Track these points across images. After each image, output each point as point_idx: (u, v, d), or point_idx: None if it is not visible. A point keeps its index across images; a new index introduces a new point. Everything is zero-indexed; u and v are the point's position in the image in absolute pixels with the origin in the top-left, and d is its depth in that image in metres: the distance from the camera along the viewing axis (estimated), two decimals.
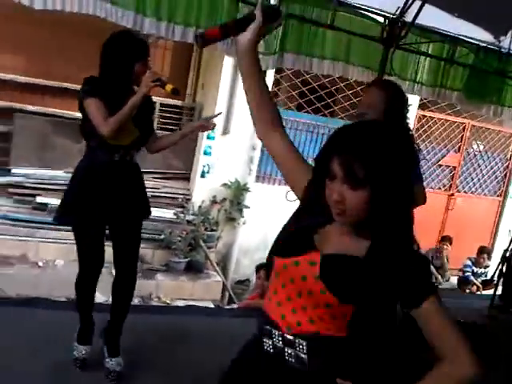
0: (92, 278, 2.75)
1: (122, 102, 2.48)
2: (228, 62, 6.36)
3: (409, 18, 4.13)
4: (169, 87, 2.53)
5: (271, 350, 1.31)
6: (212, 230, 6.51)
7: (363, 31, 4.09)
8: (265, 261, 3.94)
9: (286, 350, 1.29)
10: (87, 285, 2.76)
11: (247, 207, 6.77)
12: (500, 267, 4.08)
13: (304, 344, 1.27)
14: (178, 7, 3.65)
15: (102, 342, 2.86)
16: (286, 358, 1.29)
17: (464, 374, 1.20)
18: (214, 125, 2.83)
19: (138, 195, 2.74)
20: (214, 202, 6.67)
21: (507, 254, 4.11)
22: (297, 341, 1.28)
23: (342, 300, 1.22)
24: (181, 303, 5.45)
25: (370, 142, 1.21)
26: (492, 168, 8.84)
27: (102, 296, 4.96)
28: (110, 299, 2.94)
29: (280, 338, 1.30)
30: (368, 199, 1.20)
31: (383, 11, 4.21)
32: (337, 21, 4.04)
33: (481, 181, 8.81)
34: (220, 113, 3.35)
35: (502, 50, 4.56)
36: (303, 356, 1.28)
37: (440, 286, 7.20)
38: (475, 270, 7.45)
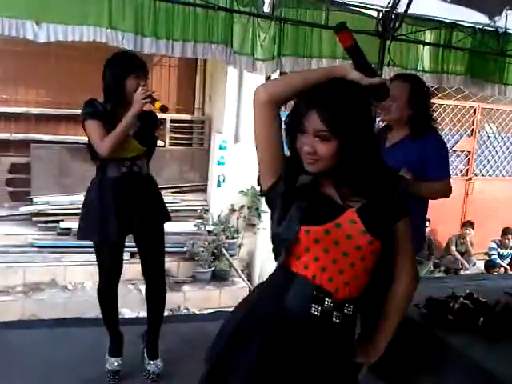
0: (111, 289, 2.85)
1: (119, 120, 2.60)
2: (232, 73, 6.46)
3: (402, 9, 4.19)
4: (158, 104, 2.67)
5: (318, 314, 1.41)
6: (233, 238, 6.59)
7: (358, 27, 4.16)
8: None
9: (334, 312, 1.42)
10: (108, 295, 2.86)
11: (266, 212, 6.84)
12: None
13: (351, 307, 1.43)
14: (175, 25, 3.76)
15: (133, 353, 2.97)
16: (334, 319, 1.42)
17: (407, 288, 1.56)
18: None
19: (153, 203, 2.81)
20: (232, 210, 6.76)
21: None
22: (346, 304, 1.42)
23: (384, 242, 1.43)
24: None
25: (336, 97, 1.35)
26: (508, 148, 8.77)
27: (132, 312, 5.09)
28: (140, 314, 3.04)
29: (331, 304, 1.40)
30: (337, 150, 1.36)
31: (376, 5, 4.28)
32: (331, 20, 4.11)
33: (497, 162, 8.74)
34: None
35: (499, 29, 4.58)
36: (350, 314, 1.44)
37: (467, 272, 7.17)
38: (501, 251, 7.40)
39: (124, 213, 2.69)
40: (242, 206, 6.80)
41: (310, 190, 1.43)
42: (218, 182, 6.80)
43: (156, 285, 2.90)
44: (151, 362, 2.92)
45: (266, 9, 3.99)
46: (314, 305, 1.40)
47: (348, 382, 1.49)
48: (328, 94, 1.35)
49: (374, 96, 1.49)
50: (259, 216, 6.80)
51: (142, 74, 2.67)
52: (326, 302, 1.40)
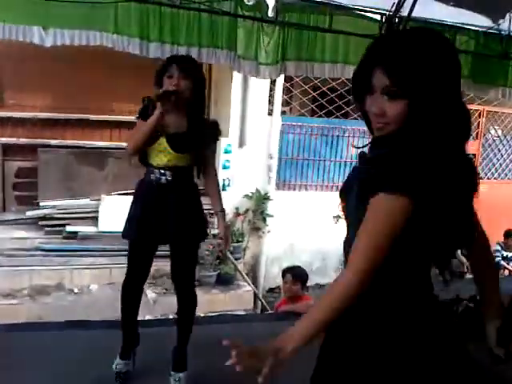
0: (127, 289, 2.83)
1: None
2: (237, 76, 6.50)
3: (405, 12, 4.20)
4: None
5: None
6: (238, 242, 6.62)
7: (361, 31, 4.18)
8: (290, 265, 4.01)
9: None
10: (128, 297, 2.84)
11: (270, 216, 6.87)
12: None
13: None
14: (180, 29, 3.80)
15: (141, 358, 2.96)
16: None
17: (345, 280, 1.18)
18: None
19: (182, 217, 2.66)
20: (237, 213, 6.78)
21: None
22: None
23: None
24: None
25: (409, 51, 1.19)
26: None
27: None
28: (146, 317, 3.03)
29: None
30: (406, 110, 1.20)
31: (379, 9, 4.29)
32: (334, 24, 4.13)
33: (503, 165, 8.74)
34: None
35: (502, 32, 4.57)
36: None
37: (471, 275, 7.15)
38: (505, 254, 7.38)
39: (148, 220, 2.67)
40: (247, 210, 6.83)
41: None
42: (223, 185, 6.83)
43: (181, 297, 2.87)
44: (174, 373, 2.85)
45: (270, 13, 4.01)
46: None
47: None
48: (396, 46, 1.21)
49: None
50: (264, 220, 6.83)
51: (177, 72, 2.58)
52: None
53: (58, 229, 6.16)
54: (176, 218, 2.64)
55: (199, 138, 2.64)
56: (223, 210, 2.79)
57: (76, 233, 6.07)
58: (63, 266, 5.78)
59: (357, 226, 1.21)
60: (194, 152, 2.66)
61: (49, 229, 6.18)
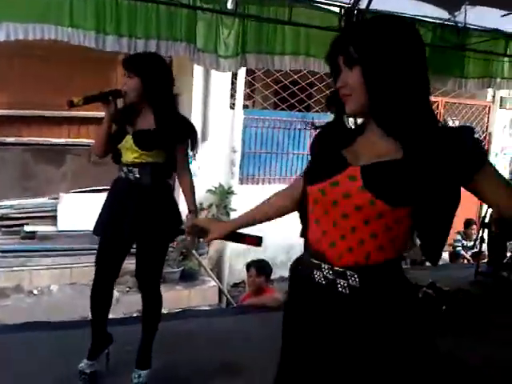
0: (96, 288, 2.76)
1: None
2: (198, 70, 6.43)
3: (363, 5, 4.24)
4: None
5: (323, 282, 1.28)
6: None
7: (321, 24, 4.19)
8: (253, 259, 3.99)
9: (337, 281, 1.26)
10: (96, 297, 2.78)
11: (234, 210, 6.83)
12: (480, 234, 4.17)
13: (356, 276, 1.24)
14: (138, 22, 3.73)
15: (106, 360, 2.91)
16: (339, 288, 1.26)
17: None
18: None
19: (147, 215, 2.61)
20: (200, 208, 6.72)
21: (486, 220, 4.20)
22: (348, 272, 1.24)
23: (393, 204, 1.19)
24: None
25: (367, 28, 1.25)
26: None
27: None
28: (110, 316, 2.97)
29: (330, 271, 1.27)
30: (362, 76, 1.22)
31: (338, 1, 4.31)
32: (294, 16, 4.13)
33: None
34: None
35: (459, 24, 4.67)
36: (356, 286, 1.24)
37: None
38: (465, 243, 7.56)
39: (116, 217, 2.63)
40: (211, 205, 6.78)
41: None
42: None
43: (145, 296, 2.81)
44: (137, 371, 2.79)
45: (230, 5, 3.98)
46: (315, 271, 1.29)
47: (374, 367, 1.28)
48: (358, 28, 1.29)
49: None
50: (228, 214, 6.79)
51: (126, 71, 2.61)
52: (324, 269, 1.27)
53: (15, 229, 6.00)
54: (141, 216, 2.60)
55: (166, 135, 2.59)
56: (193, 211, 2.73)
57: (34, 232, 5.91)
58: (22, 266, 5.63)
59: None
60: (163, 150, 2.62)
61: (6, 229, 6.01)
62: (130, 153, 2.62)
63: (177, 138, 2.64)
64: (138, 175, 2.62)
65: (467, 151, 1.19)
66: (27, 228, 5.95)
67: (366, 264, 1.24)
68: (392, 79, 1.21)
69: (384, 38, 1.22)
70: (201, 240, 1.65)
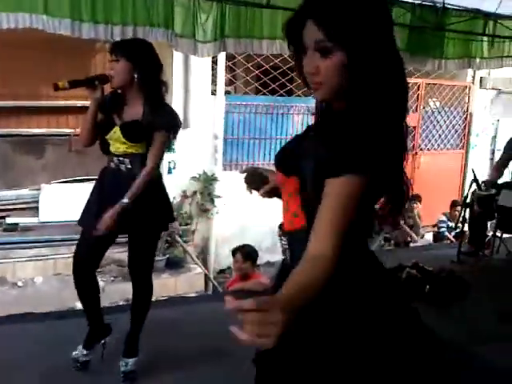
0: (78, 277, 2.72)
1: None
2: (178, 56, 6.36)
3: None
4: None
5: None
6: (186, 224, 6.57)
7: (299, 6, 4.15)
8: (238, 245, 3.97)
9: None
10: (77, 283, 2.73)
11: (218, 197, 6.83)
12: (462, 214, 4.22)
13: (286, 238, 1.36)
14: (114, 8, 3.66)
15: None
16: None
17: (317, 253, 1.11)
18: None
19: (140, 206, 2.55)
20: (184, 196, 6.71)
21: (468, 200, 4.24)
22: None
23: (286, 174, 1.31)
24: None
25: (342, 4, 1.11)
26: (451, 122, 9.04)
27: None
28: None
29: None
30: (341, 65, 1.11)
31: None
32: (273, 0, 4.09)
33: (442, 136, 9.01)
34: None
35: (437, 4, 4.66)
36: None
37: (415, 244, 7.39)
38: (450, 224, 7.64)
39: (105, 208, 2.56)
40: (195, 192, 6.77)
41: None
42: (169, 168, 6.73)
43: (136, 286, 2.81)
44: (124, 359, 2.78)
45: None
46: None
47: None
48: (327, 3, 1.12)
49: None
50: (212, 201, 6.79)
51: (114, 54, 2.53)
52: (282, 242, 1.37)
53: None
54: (134, 207, 2.54)
55: (149, 125, 2.53)
56: (125, 199, 2.52)
57: (16, 224, 5.85)
58: (5, 259, 5.57)
59: (311, 202, 1.19)
60: (148, 140, 2.56)
61: None
62: (118, 144, 2.58)
63: (154, 126, 2.55)
64: (129, 166, 2.59)
65: (336, 155, 1.12)
66: (9, 220, 5.88)
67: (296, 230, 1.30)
68: (375, 63, 1.12)
69: (359, 17, 1.10)
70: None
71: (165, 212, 2.77)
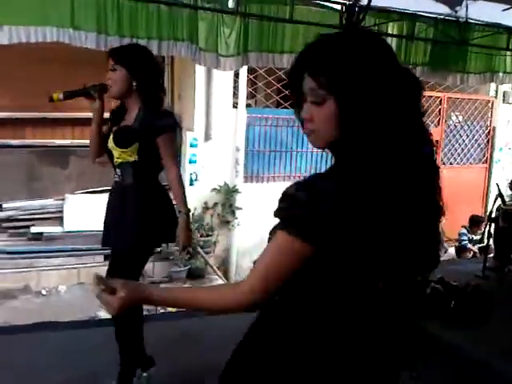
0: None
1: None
2: (200, 70, 6.44)
3: (364, 1, 4.24)
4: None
5: None
6: (208, 236, 6.59)
7: (322, 21, 4.19)
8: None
9: None
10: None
11: (239, 209, 6.85)
12: (488, 229, 4.17)
13: None
14: (139, 23, 3.74)
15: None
16: None
17: (233, 297, 1.13)
18: None
19: (125, 220, 2.48)
20: (205, 208, 6.75)
21: (493, 215, 4.19)
22: None
23: None
24: None
25: (333, 53, 1.09)
26: (474, 136, 8.95)
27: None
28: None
29: None
30: (333, 114, 1.08)
31: None
32: (295, 15, 4.14)
33: (464, 150, 8.92)
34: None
35: (460, 19, 4.66)
36: None
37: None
38: (471, 237, 7.55)
39: (105, 220, 2.60)
40: (216, 204, 6.80)
41: None
42: (191, 180, 6.78)
43: None
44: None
45: (231, 5, 3.99)
46: None
47: None
48: (322, 48, 1.11)
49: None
50: (233, 213, 6.82)
51: (112, 62, 2.46)
52: None
53: (22, 230, 6.02)
54: (119, 220, 2.48)
55: (142, 129, 2.43)
56: (182, 211, 2.52)
57: (41, 234, 5.94)
58: (29, 268, 5.65)
59: None
60: (143, 145, 2.44)
61: (13, 231, 6.02)
62: (114, 152, 2.51)
63: (154, 130, 2.44)
64: (120, 175, 2.51)
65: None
66: (34, 229, 5.97)
67: None
68: (371, 113, 1.05)
69: (359, 64, 1.06)
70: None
71: (159, 225, 2.52)
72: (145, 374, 2.69)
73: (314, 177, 1.09)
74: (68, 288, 5.59)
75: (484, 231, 4.41)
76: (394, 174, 1.06)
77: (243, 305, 1.13)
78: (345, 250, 1.05)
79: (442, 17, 4.67)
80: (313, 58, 1.11)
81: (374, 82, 1.05)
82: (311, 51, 1.12)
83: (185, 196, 2.53)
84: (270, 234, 1.17)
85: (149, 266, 6.07)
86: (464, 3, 4.44)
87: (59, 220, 6.14)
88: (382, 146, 1.05)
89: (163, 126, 2.46)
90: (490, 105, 8.97)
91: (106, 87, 2.48)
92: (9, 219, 6.06)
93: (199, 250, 6.32)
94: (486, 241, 4.28)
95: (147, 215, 2.48)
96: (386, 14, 4.58)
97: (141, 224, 2.47)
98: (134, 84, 2.43)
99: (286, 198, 1.08)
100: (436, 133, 8.43)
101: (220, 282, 6.40)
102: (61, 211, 6.16)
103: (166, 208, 2.57)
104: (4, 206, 6.16)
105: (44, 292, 5.59)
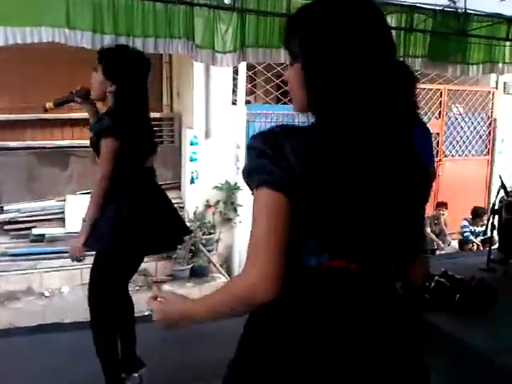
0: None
1: None
2: (199, 68, 6.41)
3: None
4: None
5: None
6: (210, 234, 6.58)
7: None
8: None
9: None
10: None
11: (241, 206, 6.83)
12: (491, 221, 4.13)
13: None
14: (135, 21, 3.71)
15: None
16: None
17: (241, 282, 1.08)
18: None
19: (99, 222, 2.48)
20: (207, 205, 6.73)
21: (496, 207, 4.15)
22: None
23: None
24: None
25: (310, 14, 1.06)
26: (475, 128, 8.91)
27: None
28: None
29: None
30: (299, 74, 1.06)
31: None
32: (292, 8, 4.10)
33: (466, 142, 8.88)
34: None
35: (459, 10, 4.62)
36: None
37: (442, 252, 7.28)
38: (473, 229, 7.53)
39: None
40: (218, 201, 6.78)
41: None
42: (192, 178, 6.77)
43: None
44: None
45: (227, 1, 3.96)
46: None
47: None
48: (305, 10, 1.09)
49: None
50: (235, 210, 6.79)
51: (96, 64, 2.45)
52: None
53: (24, 232, 6.02)
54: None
55: (93, 134, 2.42)
56: (85, 220, 2.49)
57: (43, 235, 5.93)
58: (32, 269, 5.65)
59: None
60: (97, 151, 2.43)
61: (14, 233, 6.02)
62: None
63: (96, 135, 2.40)
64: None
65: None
66: (35, 231, 5.97)
67: None
68: (333, 76, 1.03)
69: (329, 25, 1.03)
70: None
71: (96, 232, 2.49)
72: (135, 375, 2.70)
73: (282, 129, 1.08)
74: (71, 289, 5.59)
75: (487, 223, 4.37)
76: (356, 140, 1.04)
77: (257, 285, 1.02)
78: (313, 208, 1.02)
79: (440, 8, 4.63)
80: (294, 18, 1.10)
81: (339, 43, 1.01)
82: (298, 13, 1.11)
83: (89, 210, 2.44)
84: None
85: (151, 265, 6.09)
86: None
87: (61, 221, 6.13)
88: (343, 110, 1.03)
89: (99, 131, 2.40)
90: (490, 96, 8.92)
91: (87, 90, 2.50)
92: (10, 221, 6.06)
93: (202, 248, 6.30)
94: (489, 233, 4.24)
95: (118, 223, 2.45)
96: (385, 5, 4.53)
97: (120, 229, 2.45)
98: (110, 86, 2.41)
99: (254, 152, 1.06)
100: (437, 125, 8.40)
101: (223, 280, 6.39)
102: (62, 212, 6.15)
103: (137, 215, 2.49)
104: (5, 208, 6.16)
105: (47, 293, 5.59)
